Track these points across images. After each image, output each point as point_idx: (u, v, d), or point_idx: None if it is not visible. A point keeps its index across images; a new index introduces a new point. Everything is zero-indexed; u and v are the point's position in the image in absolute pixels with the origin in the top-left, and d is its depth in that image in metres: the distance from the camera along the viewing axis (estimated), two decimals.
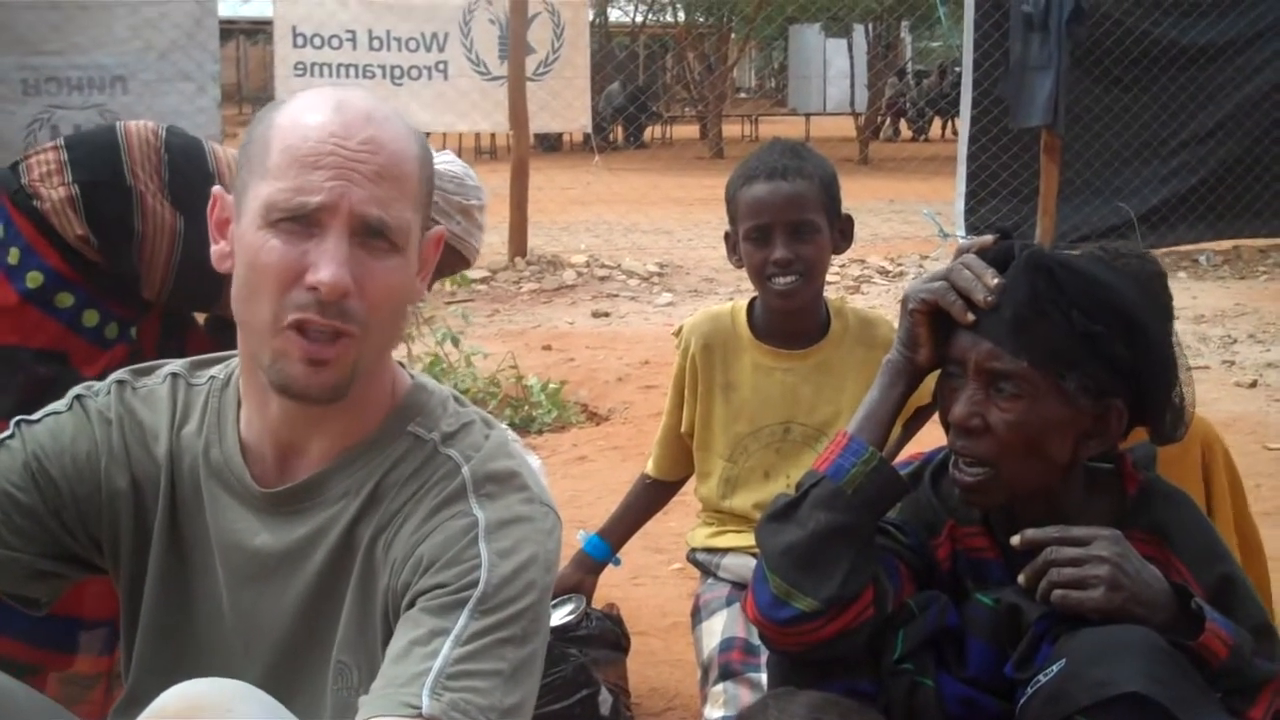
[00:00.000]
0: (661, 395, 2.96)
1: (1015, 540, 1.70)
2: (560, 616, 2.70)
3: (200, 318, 2.56)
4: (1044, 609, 1.66)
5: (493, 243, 8.80)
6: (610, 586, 3.25)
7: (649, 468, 2.79)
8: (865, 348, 2.55)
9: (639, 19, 26.06)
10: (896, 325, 1.82)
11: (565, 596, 2.74)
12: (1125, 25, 9.55)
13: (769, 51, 33.98)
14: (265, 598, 1.56)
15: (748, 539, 2.35)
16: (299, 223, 1.44)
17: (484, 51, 10.08)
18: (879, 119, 23.02)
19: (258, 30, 22.20)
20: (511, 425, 5.17)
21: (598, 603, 2.90)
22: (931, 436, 1.91)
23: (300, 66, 9.71)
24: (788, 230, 2.46)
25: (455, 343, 5.63)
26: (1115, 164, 9.74)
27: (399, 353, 1.94)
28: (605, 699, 2.68)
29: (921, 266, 9.37)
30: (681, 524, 3.32)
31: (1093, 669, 1.56)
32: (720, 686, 2.40)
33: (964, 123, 9.88)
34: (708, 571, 2.65)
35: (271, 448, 1.57)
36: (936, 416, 1.80)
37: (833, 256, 2.57)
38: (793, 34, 27.03)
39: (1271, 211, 10.08)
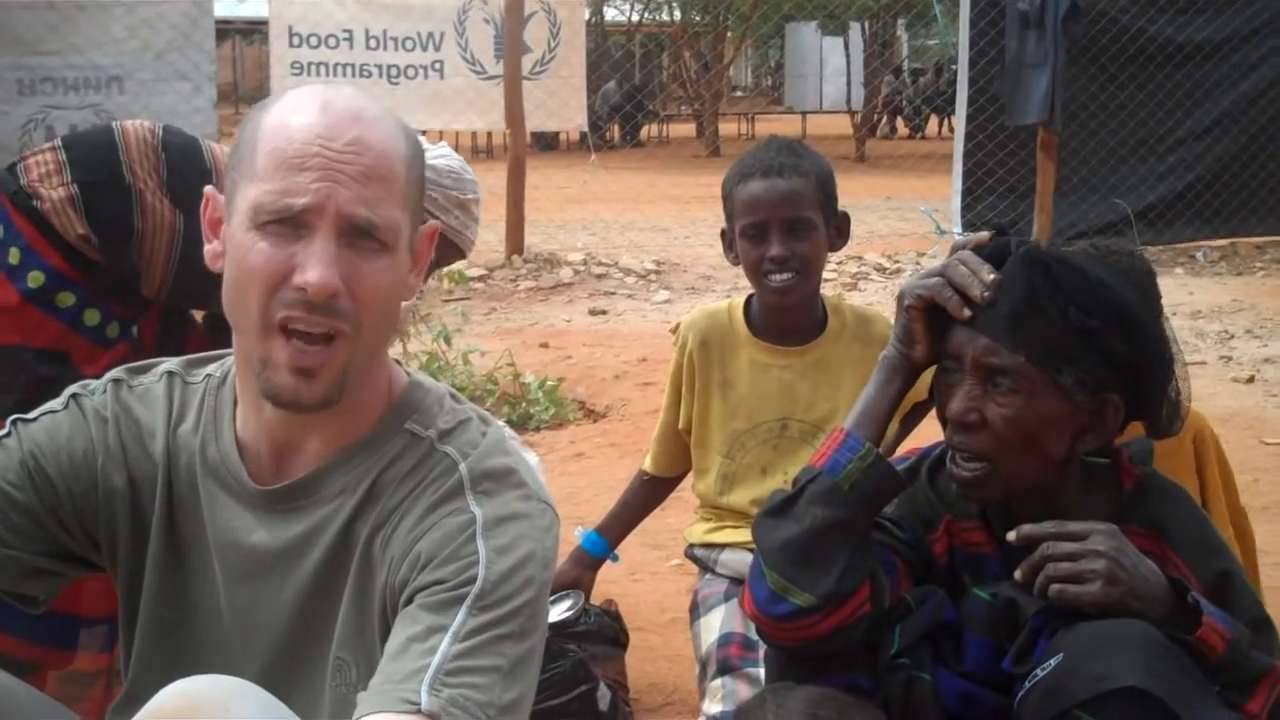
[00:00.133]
0: (659, 392, 2.96)
1: (1012, 535, 1.71)
2: (559, 612, 2.70)
3: (199, 316, 2.57)
4: (1041, 603, 1.66)
5: (490, 241, 8.80)
6: (608, 582, 3.25)
7: (646, 464, 2.79)
8: (862, 344, 2.56)
9: (635, 18, 26.03)
10: (893, 321, 1.82)
11: (564, 592, 2.74)
12: (1121, 22, 9.54)
13: (765, 50, 33.98)
14: (263, 595, 1.56)
15: (745, 535, 2.35)
16: (286, 225, 1.44)
17: (479, 51, 10.08)
18: (875, 117, 23.03)
19: (254, 30, 22.14)
20: (509, 422, 5.16)
21: (596, 598, 2.91)
22: (928, 432, 1.91)
23: (296, 66, 9.70)
24: (784, 227, 2.46)
25: (448, 340, 5.63)
26: (1112, 161, 9.73)
27: (394, 350, 1.94)
28: (604, 694, 2.69)
29: (918, 263, 9.38)
30: (679, 520, 3.32)
31: (1090, 663, 1.56)
32: (718, 681, 2.40)
33: (960, 120, 9.87)
34: (706, 567, 2.66)
35: (268, 446, 1.57)
36: (933, 412, 1.80)
37: (829, 254, 2.57)
38: (789, 32, 27.08)
39: (1268, 208, 10.07)
